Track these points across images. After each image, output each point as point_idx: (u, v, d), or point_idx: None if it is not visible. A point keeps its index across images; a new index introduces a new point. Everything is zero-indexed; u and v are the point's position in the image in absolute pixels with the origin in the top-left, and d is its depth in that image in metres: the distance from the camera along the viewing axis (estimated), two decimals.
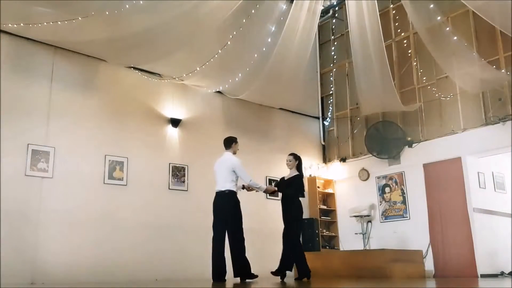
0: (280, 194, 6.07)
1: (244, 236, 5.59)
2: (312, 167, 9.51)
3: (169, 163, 7.45)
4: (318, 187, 9.36)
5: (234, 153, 5.85)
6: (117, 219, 6.67)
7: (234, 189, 5.60)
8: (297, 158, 6.09)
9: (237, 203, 5.61)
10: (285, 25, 7.54)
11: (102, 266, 6.29)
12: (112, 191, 6.74)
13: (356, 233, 8.61)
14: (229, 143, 5.86)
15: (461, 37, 7.07)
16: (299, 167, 6.06)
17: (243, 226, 5.61)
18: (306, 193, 9.42)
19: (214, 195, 7.79)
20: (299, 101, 9.50)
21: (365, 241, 8.54)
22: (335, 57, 10.01)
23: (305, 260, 5.76)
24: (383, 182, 8.71)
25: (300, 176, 6.01)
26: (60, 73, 6.62)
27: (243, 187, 5.89)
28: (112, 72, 7.18)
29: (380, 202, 8.71)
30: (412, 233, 8.01)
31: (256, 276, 5.65)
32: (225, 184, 5.56)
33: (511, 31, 6.31)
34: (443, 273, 7.35)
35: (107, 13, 5.74)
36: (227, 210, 5.53)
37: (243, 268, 5.53)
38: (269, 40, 7.98)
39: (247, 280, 5.54)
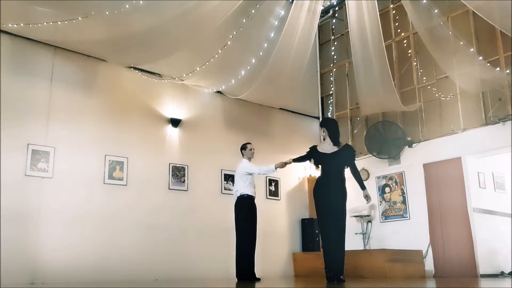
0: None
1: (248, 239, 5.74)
2: (312, 167, 9.51)
3: (169, 163, 7.45)
4: None
5: (249, 158, 6.06)
6: (117, 219, 6.67)
7: (249, 193, 5.83)
8: (323, 126, 5.44)
9: (245, 206, 5.80)
10: (285, 25, 7.54)
11: (102, 266, 6.29)
12: (112, 191, 6.74)
13: (356, 233, 8.61)
14: (240, 150, 6.16)
15: (461, 37, 7.07)
16: None
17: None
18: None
19: (213, 195, 7.86)
20: (299, 101, 9.50)
21: (365, 241, 8.54)
22: (335, 57, 10.01)
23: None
24: (383, 182, 8.71)
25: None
26: (60, 73, 6.62)
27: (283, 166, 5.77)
28: (112, 72, 7.18)
29: (380, 202, 8.71)
30: (412, 233, 8.00)
31: (259, 280, 5.69)
32: (240, 188, 5.87)
33: (511, 31, 6.31)
34: (443, 273, 7.35)
35: (107, 13, 5.75)
36: (236, 211, 5.84)
37: (242, 270, 5.62)
38: (269, 39, 7.99)
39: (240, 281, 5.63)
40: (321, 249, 5.32)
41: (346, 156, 5.27)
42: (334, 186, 5.16)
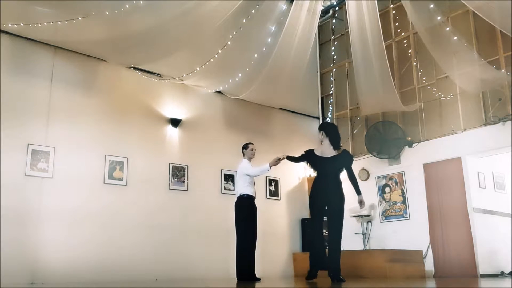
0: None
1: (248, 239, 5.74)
2: None
3: (169, 163, 7.45)
4: None
5: (249, 159, 6.04)
6: (117, 219, 6.67)
7: (249, 192, 5.82)
8: (322, 129, 5.45)
9: (245, 206, 5.80)
10: (285, 25, 7.54)
11: (102, 266, 6.29)
12: (112, 191, 6.74)
13: (356, 233, 8.61)
14: (242, 150, 6.14)
15: (461, 37, 7.07)
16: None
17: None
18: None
19: (213, 195, 7.87)
20: (299, 101, 9.51)
21: (365, 241, 8.54)
22: (335, 57, 10.01)
23: None
24: (383, 182, 8.70)
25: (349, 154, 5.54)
26: (60, 73, 6.63)
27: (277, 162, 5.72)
28: (112, 72, 7.18)
29: (380, 202, 8.71)
30: (412, 233, 8.00)
31: (259, 280, 5.70)
32: (240, 189, 5.86)
33: (511, 31, 6.31)
34: (443, 273, 7.35)
35: (107, 13, 5.75)
36: (236, 211, 5.84)
37: (242, 270, 5.64)
38: (269, 40, 7.98)
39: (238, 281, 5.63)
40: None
41: (343, 161, 5.36)
42: (332, 187, 5.24)
